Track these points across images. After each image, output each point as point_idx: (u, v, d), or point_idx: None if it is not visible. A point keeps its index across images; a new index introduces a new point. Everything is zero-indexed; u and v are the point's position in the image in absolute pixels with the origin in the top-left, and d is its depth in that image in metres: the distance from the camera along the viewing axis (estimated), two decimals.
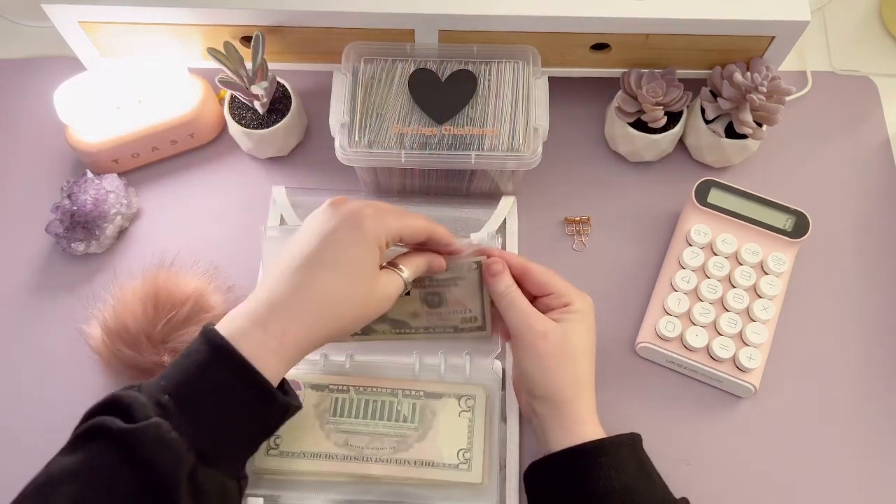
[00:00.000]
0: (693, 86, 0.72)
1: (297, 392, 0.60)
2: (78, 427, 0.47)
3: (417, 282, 0.59)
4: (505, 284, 0.58)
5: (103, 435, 0.45)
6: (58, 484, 0.44)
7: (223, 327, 0.48)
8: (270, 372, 0.47)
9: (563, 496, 0.54)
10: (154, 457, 0.44)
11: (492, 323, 0.62)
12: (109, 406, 0.46)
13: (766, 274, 0.68)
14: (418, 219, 0.55)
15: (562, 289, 0.58)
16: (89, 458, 0.45)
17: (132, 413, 0.45)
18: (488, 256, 0.59)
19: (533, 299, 0.59)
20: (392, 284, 0.53)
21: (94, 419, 0.46)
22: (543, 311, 0.58)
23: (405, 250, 0.57)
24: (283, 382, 0.51)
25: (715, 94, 0.71)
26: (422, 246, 0.57)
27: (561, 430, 0.55)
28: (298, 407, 0.51)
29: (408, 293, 0.58)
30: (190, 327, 0.62)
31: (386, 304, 0.54)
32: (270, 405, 0.48)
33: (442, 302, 0.62)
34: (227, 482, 0.48)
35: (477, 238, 0.68)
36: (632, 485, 0.53)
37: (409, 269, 0.55)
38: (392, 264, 0.55)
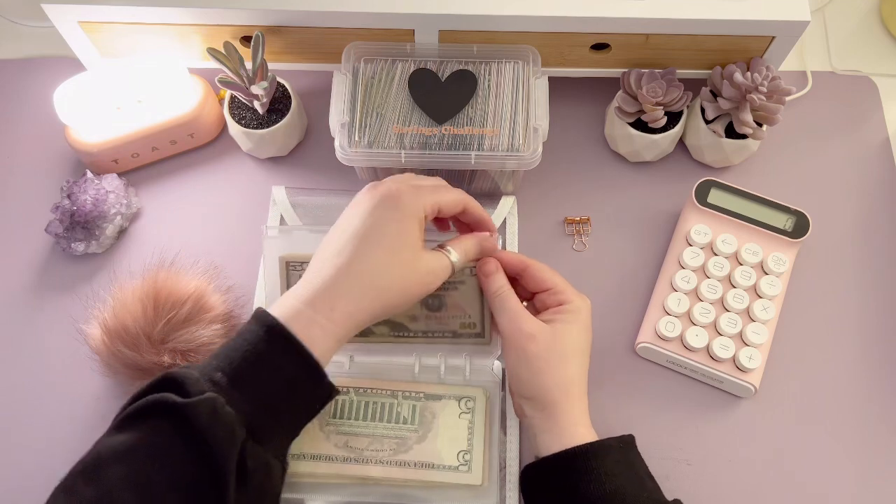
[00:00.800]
0: (693, 86, 0.72)
1: None
2: (125, 408, 0.47)
3: None
4: (498, 285, 0.58)
5: (159, 411, 0.45)
6: (110, 462, 0.44)
7: (274, 309, 0.49)
8: (320, 349, 0.49)
9: (554, 500, 0.54)
10: (209, 431, 0.44)
11: (491, 329, 0.62)
12: (162, 383, 0.46)
13: (766, 274, 0.68)
14: (453, 191, 0.56)
15: (559, 285, 0.58)
16: (143, 436, 0.45)
17: (187, 388, 0.45)
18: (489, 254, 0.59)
19: (532, 296, 0.59)
20: (437, 262, 0.54)
21: (147, 397, 0.46)
22: (540, 309, 0.58)
23: (452, 236, 0.58)
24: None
25: (715, 94, 0.71)
26: (462, 223, 0.59)
27: (550, 433, 0.55)
28: (338, 391, 0.52)
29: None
30: (190, 327, 0.62)
31: (432, 281, 0.54)
32: (318, 384, 0.49)
33: (441, 305, 0.62)
34: (272, 461, 0.48)
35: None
36: (622, 489, 0.52)
37: (456, 251, 0.56)
38: (441, 246, 0.56)
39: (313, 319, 0.49)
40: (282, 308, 0.49)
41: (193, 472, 0.44)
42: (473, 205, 0.58)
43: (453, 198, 0.56)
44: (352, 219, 0.52)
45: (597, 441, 0.54)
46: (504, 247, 0.71)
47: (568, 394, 0.55)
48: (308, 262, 0.54)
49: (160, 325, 0.61)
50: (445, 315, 0.62)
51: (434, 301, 0.61)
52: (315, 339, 0.48)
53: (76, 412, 0.65)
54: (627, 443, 0.56)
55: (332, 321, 0.49)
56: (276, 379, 0.48)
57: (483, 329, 0.62)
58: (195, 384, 0.46)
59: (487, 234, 0.59)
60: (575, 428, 0.55)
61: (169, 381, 0.46)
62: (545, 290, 0.58)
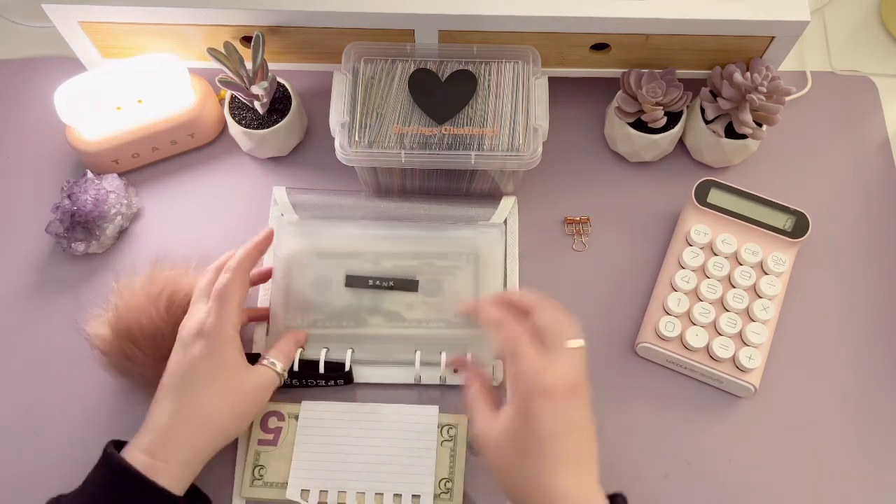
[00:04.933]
0: (693, 86, 0.72)
1: (281, 423, 0.63)
2: None
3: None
4: (467, 380, 0.57)
5: None
6: None
7: (130, 455, 0.54)
8: (174, 486, 0.53)
9: None
10: None
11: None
12: None
13: (766, 274, 0.68)
14: (233, 279, 0.59)
15: (510, 357, 0.51)
16: None
17: None
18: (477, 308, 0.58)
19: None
20: (262, 377, 0.59)
21: None
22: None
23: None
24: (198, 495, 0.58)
25: (715, 94, 0.71)
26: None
27: None
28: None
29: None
30: None
31: (262, 397, 0.59)
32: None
33: (439, 290, 0.62)
34: None
35: (480, 234, 0.69)
36: None
37: (278, 360, 0.61)
38: (264, 358, 0.61)
39: (155, 466, 0.53)
40: (130, 453, 0.54)
41: None
42: (244, 261, 0.60)
43: (234, 279, 0.58)
44: (178, 364, 0.57)
45: None
46: (505, 247, 0.70)
47: (550, 496, 0.48)
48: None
49: (172, 324, 0.61)
50: (443, 301, 0.62)
51: (433, 286, 0.62)
52: (167, 482, 0.52)
53: (76, 412, 0.65)
54: None
55: (171, 466, 0.53)
56: None
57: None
58: None
59: (301, 332, 0.64)
60: None
61: None
62: (538, 327, 0.52)
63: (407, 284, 0.66)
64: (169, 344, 0.60)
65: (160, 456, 0.53)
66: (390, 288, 0.66)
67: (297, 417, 0.63)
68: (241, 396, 0.57)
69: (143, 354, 0.61)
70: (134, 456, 0.53)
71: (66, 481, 0.55)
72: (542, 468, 0.49)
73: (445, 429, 0.62)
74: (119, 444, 0.55)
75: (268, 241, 0.63)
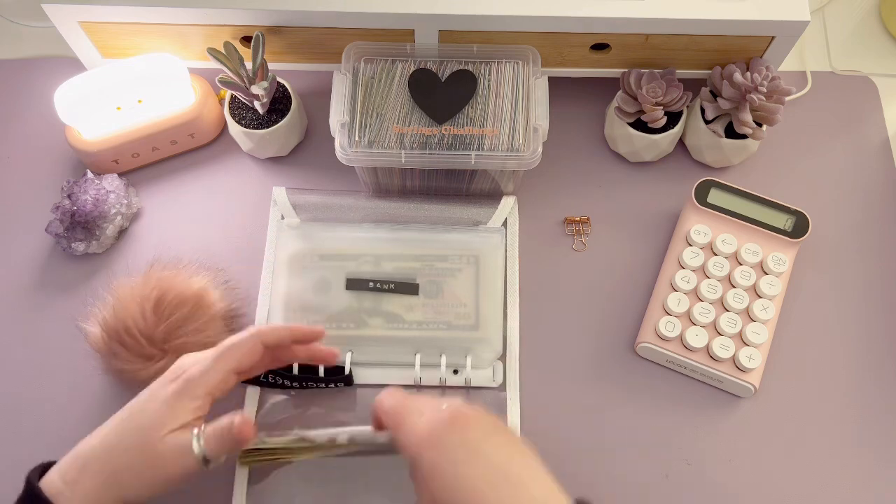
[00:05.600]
0: (693, 86, 0.72)
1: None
2: None
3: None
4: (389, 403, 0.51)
5: None
6: None
7: (47, 475, 0.51)
8: None
9: None
10: None
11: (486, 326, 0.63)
12: None
13: (766, 274, 0.68)
14: (244, 335, 0.54)
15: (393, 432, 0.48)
16: None
17: None
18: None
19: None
20: (174, 450, 0.50)
21: None
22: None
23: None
24: None
25: (715, 95, 0.71)
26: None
27: None
28: None
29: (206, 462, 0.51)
30: (191, 327, 0.62)
31: (169, 466, 0.50)
32: None
33: (439, 292, 0.62)
34: None
35: (480, 235, 0.69)
36: None
37: (207, 438, 0.51)
38: (195, 427, 0.52)
39: (61, 491, 0.49)
40: (48, 474, 0.51)
41: None
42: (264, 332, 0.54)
43: (212, 372, 0.52)
44: (126, 409, 0.52)
45: None
46: (505, 248, 0.70)
47: None
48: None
49: (162, 326, 0.61)
50: (442, 303, 0.62)
51: (433, 288, 0.62)
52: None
53: (75, 411, 0.65)
54: None
55: (75, 495, 0.49)
56: None
57: (476, 320, 0.63)
58: None
59: (243, 422, 0.51)
60: None
61: None
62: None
63: (407, 287, 0.66)
64: (153, 345, 0.61)
65: (69, 478, 0.50)
66: (391, 290, 0.66)
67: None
68: (147, 459, 0.50)
69: (128, 353, 0.61)
70: (50, 478, 0.51)
71: None
72: None
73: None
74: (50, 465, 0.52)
75: (309, 335, 0.56)
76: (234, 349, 0.53)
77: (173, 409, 0.51)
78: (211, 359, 0.52)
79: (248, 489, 0.62)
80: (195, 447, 0.50)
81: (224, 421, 0.51)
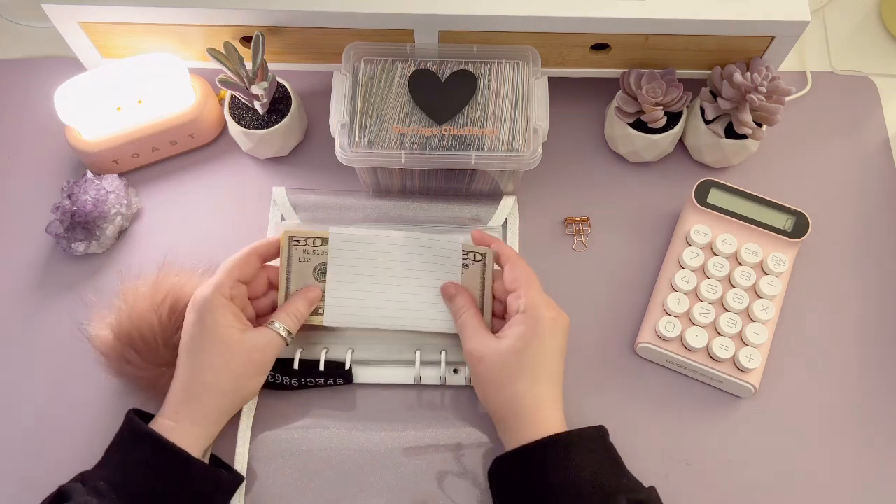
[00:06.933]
0: (693, 86, 0.72)
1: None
2: None
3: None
4: (457, 306, 0.62)
5: None
6: None
7: (143, 423, 0.57)
8: (189, 447, 0.56)
9: (524, 489, 0.56)
10: None
11: (491, 318, 0.63)
12: (55, 499, 0.54)
13: (766, 274, 0.68)
14: (239, 255, 0.61)
15: (522, 289, 0.60)
16: None
17: (73, 500, 0.53)
18: (488, 244, 0.63)
19: (504, 304, 0.62)
20: (263, 339, 0.59)
21: None
22: (509, 315, 0.60)
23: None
24: (221, 465, 0.61)
25: (715, 95, 0.71)
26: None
27: (508, 435, 0.58)
28: (235, 480, 0.60)
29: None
30: None
31: (260, 358, 0.59)
32: (192, 469, 0.56)
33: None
34: None
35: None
36: (598, 475, 0.55)
37: (282, 321, 0.61)
38: (269, 321, 0.61)
39: (168, 427, 0.57)
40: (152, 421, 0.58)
41: None
42: (261, 245, 0.62)
43: (240, 258, 0.61)
44: (182, 336, 0.59)
45: (570, 430, 0.56)
46: None
47: (518, 410, 0.57)
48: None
49: (179, 334, 0.60)
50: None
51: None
52: (181, 442, 0.56)
53: (76, 412, 0.65)
54: (601, 433, 0.58)
55: (182, 426, 0.57)
56: (148, 473, 0.55)
57: (483, 314, 0.63)
58: (78, 495, 0.53)
59: (314, 289, 0.63)
60: (535, 428, 0.56)
61: (59, 496, 0.54)
62: (513, 289, 0.60)
63: None
64: (167, 351, 0.61)
65: (172, 418, 0.57)
66: None
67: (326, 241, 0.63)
68: (235, 359, 0.58)
69: (141, 359, 0.61)
70: (154, 421, 0.58)
71: (66, 480, 0.55)
72: (531, 381, 0.57)
73: (472, 255, 0.64)
74: (140, 413, 0.59)
75: (273, 247, 0.64)
76: (236, 261, 0.61)
77: (229, 320, 0.58)
78: (220, 272, 0.60)
79: (249, 489, 0.62)
80: (282, 333, 0.60)
81: (291, 301, 0.62)
